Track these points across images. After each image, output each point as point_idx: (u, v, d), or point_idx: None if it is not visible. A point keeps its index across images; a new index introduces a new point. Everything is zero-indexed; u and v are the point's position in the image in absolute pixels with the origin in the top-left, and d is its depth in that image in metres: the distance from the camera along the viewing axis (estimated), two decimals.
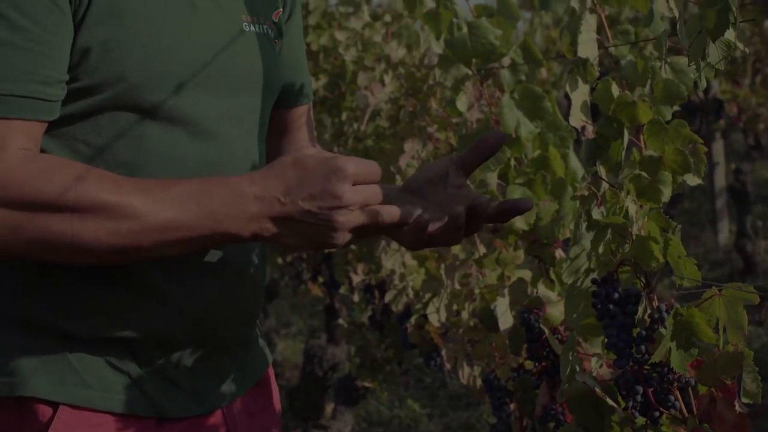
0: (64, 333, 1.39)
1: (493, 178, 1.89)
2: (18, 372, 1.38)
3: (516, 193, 1.84)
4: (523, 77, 1.98)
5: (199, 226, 1.28)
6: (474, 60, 1.91)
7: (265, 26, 1.53)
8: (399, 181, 2.61)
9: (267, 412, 1.62)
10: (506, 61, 1.97)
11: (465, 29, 1.89)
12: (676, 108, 1.42)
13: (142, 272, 1.39)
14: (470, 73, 1.95)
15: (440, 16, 1.88)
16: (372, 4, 3.55)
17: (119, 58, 1.33)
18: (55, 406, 1.38)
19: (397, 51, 3.03)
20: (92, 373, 1.40)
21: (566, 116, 1.78)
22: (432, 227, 1.38)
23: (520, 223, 1.86)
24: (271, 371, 1.66)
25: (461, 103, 1.94)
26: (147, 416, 1.43)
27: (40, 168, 1.27)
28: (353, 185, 1.28)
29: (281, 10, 1.59)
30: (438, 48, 1.92)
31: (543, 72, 6.01)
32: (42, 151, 1.34)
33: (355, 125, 3.10)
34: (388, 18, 3.24)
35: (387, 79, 2.91)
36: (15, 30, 1.27)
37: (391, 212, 1.33)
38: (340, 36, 3.26)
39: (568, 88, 1.48)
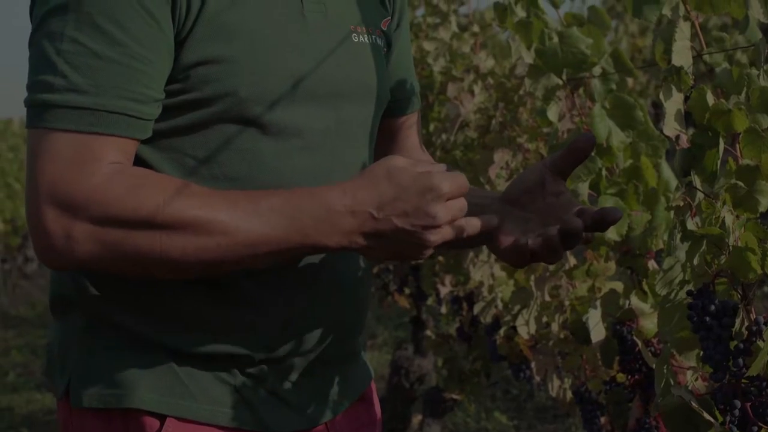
0: (169, 347, 1.40)
1: (584, 189, 1.86)
2: (125, 384, 1.39)
3: (608, 203, 1.82)
4: (613, 86, 1.96)
5: (287, 240, 1.27)
6: (565, 69, 1.89)
7: (374, 36, 1.51)
8: None
9: (369, 428, 1.62)
10: (597, 70, 1.95)
11: (556, 39, 1.88)
12: None
13: (244, 288, 1.39)
14: (561, 82, 1.94)
15: (531, 26, 1.87)
16: (459, 14, 3.55)
17: (230, 73, 1.32)
18: (162, 418, 1.39)
19: (485, 61, 3.02)
20: (199, 387, 1.40)
21: (655, 124, 1.76)
22: (533, 242, 1.36)
23: (611, 234, 1.83)
24: (373, 386, 1.65)
25: (552, 113, 1.92)
26: (252, 430, 1.43)
27: (128, 185, 1.26)
28: (448, 200, 1.27)
29: (390, 18, 1.58)
30: (529, 58, 1.91)
31: (629, 81, 5.95)
32: (148, 164, 1.34)
33: (444, 136, 3.10)
34: (476, 28, 3.24)
35: (476, 89, 2.90)
36: (113, 45, 1.26)
37: (473, 224, 1.32)
38: (428, 46, 3.26)
39: (661, 97, 1.46)
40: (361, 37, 1.48)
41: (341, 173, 1.39)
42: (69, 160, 1.25)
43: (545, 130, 2.46)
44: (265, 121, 1.36)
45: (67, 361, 1.44)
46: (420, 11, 3.69)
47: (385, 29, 1.56)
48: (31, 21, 1.33)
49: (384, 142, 1.62)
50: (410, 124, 1.67)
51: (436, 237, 1.27)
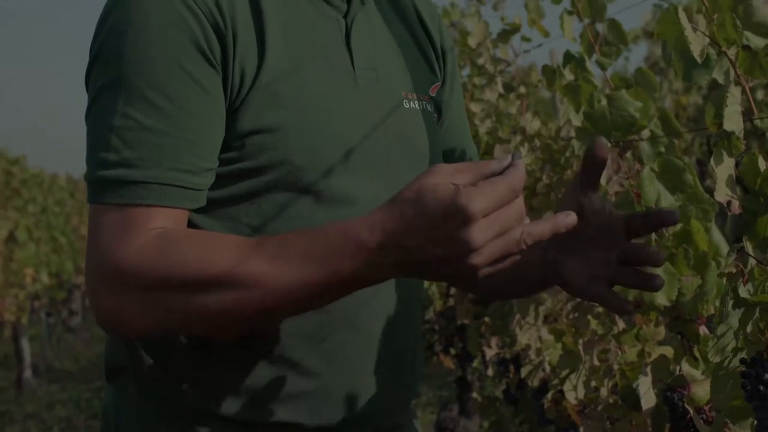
0: (221, 415, 1.39)
1: None
2: None
3: (657, 269, 1.80)
4: (662, 149, 1.95)
5: (323, 281, 1.19)
6: (613, 132, 1.89)
7: (424, 102, 1.52)
8: None
9: None
10: (645, 133, 1.94)
11: (604, 101, 1.87)
12: None
13: (297, 356, 1.39)
14: (609, 145, 1.93)
15: (580, 89, 1.87)
16: (504, 74, 3.55)
17: (284, 141, 1.33)
18: None
19: (532, 123, 3.02)
20: None
21: (701, 183, 1.74)
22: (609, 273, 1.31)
23: (661, 298, 1.81)
24: None
25: (602, 176, 1.91)
26: None
27: (161, 248, 1.25)
28: (484, 217, 1.10)
29: (440, 84, 1.59)
30: (577, 120, 1.90)
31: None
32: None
33: None
34: (522, 90, 3.24)
35: (523, 151, 2.89)
36: (163, 118, 1.27)
37: (538, 230, 1.15)
38: (474, 108, 3.27)
39: (712, 162, 1.45)
40: (411, 103, 1.49)
41: None
42: (115, 232, 1.26)
43: None
44: (319, 189, 1.36)
45: (121, 426, 1.44)
46: (466, 71, 3.70)
47: (434, 95, 1.57)
48: (87, 93, 1.35)
49: None
50: None
51: (479, 259, 1.12)
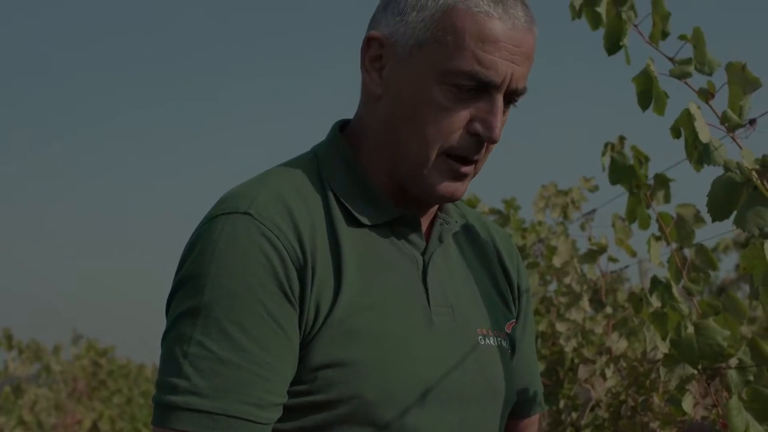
0: None
1: None
2: None
3: None
4: (751, 377, 1.92)
5: None
6: (701, 360, 1.87)
7: (499, 338, 1.54)
8: None
9: None
10: (733, 361, 1.92)
11: (691, 329, 1.87)
12: None
13: None
14: (696, 373, 1.91)
15: (666, 317, 1.87)
16: (589, 294, 3.54)
17: (356, 376, 1.35)
18: None
19: (617, 343, 2.99)
20: None
21: None
22: None
23: None
24: None
25: (687, 404, 1.89)
26: None
27: None
28: None
29: (514, 321, 1.61)
30: (664, 347, 1.90)
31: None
32: None
33: (573, 414, 3.04)
34: (608, 310, 3.22)
35: (608, 372, 2.86)
36: (238, 351, 1.30)
37: None
38: (560, 328, 3.24)
39: None
40: (487, 339, 1.51)
41: None
42: None
43: (679, 417, 2.40)
44: (390, 424, 1.37)
45: None
46: (553, 286, 3.71)
47: (509, 332, 1.58)
48: (166, 316, 1.39)
49: None
50: (532, 425, 1.67)
51: None
